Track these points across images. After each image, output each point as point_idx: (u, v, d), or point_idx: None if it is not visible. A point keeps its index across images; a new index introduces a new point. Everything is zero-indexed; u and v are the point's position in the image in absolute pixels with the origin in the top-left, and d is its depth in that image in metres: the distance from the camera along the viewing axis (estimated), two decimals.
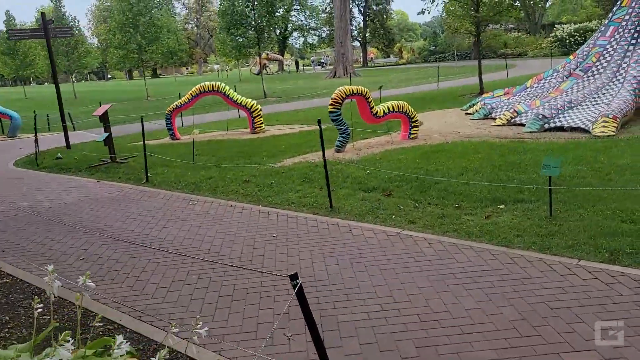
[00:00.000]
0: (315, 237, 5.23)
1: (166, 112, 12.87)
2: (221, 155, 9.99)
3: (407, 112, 10.09)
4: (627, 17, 11.13)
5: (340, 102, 9.36)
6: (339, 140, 9.50)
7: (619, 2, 11.53)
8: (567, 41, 45.58)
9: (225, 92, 12.63)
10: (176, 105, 12.77)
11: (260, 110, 13.00)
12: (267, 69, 63.00)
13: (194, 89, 12.66)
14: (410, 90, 22.39)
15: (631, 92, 10.17)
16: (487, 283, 3.92)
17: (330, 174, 7.48)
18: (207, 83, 12.69)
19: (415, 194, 6.25)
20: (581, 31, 45.14)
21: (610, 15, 11.59)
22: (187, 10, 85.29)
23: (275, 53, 64.37)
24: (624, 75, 10.66)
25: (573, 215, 5.12)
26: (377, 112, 9.74)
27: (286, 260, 4.71)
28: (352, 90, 9.38)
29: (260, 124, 12.94)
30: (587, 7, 74.17)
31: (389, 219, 5.57)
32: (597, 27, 44.29)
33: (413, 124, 10.24)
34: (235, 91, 13.74)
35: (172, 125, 12.76)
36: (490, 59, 49.54)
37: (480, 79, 17.74)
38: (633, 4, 11.08)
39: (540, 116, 10.21)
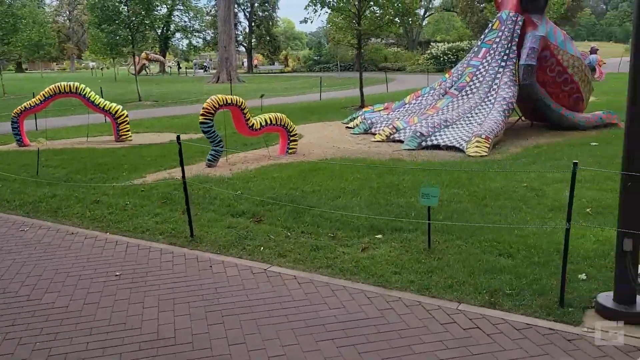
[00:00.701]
0: (168, 276, 4.42)
1: (12, 114, 11.17)
2: (74, 167, 8.72)
3: (286, 125, 9.54)
4: (497, 39, 11.51)
5: (213, 112, 8.57)
6: (210, 154, 8.69)
7: (490, 25, 11.94)
8: (441, 59, 48.22)
9: (84, 94, 11.24)
10: (25, 107, 11.14)
11: (127, 115, 11.75)
12: (147, 69, 59.91)
13: (47, 89, 11.13)
14: (292, 100, 22.01)
15: (501, 112, 10.47)
16: (362, 338, 3.38)
17: (196, 194, 6.68)
18: (63, 83, 11.21)
19: (288, 221, 5.65)
20: (453, 50, 48.04)
21: (482, 37, 11.96)
22: (58, 2, 78.88)
23: (156, 53, 61.44)
24: (494, 96, 10.98)
25: (452, 247, 4.80)
26: (253, 124, 9.07)
27: (126, 310, 3.86)
28: (226, 100, 8.63)
29: (127, 131, 11.70)
30: (458, 29, 79.75)
31: (256, 251, 4.91)
32: (468, 47, 47.50)
33: (291, 138, 9.70)
34: (102, 93, 12.37)
35: (20, 129, 11.11)
36: (371, 72, 51.01)
37: (362, 92, 17.78)
38: (503, 27, 11.50)
39: (418, 134, 10.16)
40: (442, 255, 4.61)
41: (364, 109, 13.65)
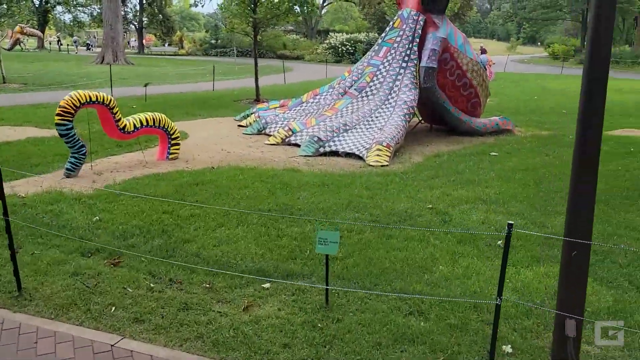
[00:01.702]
0: None
1: None
2: None
3: (166, 126, 8.28)
4: (398, 39, 10.95)
5: (72, 112, 7.12)
6: (69, 162, 7.25)
7: (391, 23, 11.35)
8: (340, 49, 48.12)
9: None
10: None
11: None
12: (22, 44, 54.11)
13: None
14: (183, 89, 20.36)
15: (402, 117, 9.93)
16: None
17: (40, 220, 5.33)
18: None
19: (155, 262, 4.53)
20: (352, 41, 48.09)
21: (383, 35, 11.35)
22: None
23: (33, 27, 55.67)
24: (395, 98, 10.42)
25: (354, 302, 3.98)
26: (125, 125, 7.72)
27: None
28: (90, 97, 7.20)
29: None
30: (356, 19, 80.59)
31: (105, 313, 3.77)
32: (365, 39, 47.83)
33: (173, 142, 8.46)
34: None
35: None
36: (269, 59, 49.86)
37: (257, 85, 16.68)
38: (404, 26, 10.95)
39: (316, 138, 9.33)
40: (343, 316, 3.76)
41: (258, 106, 12.61)
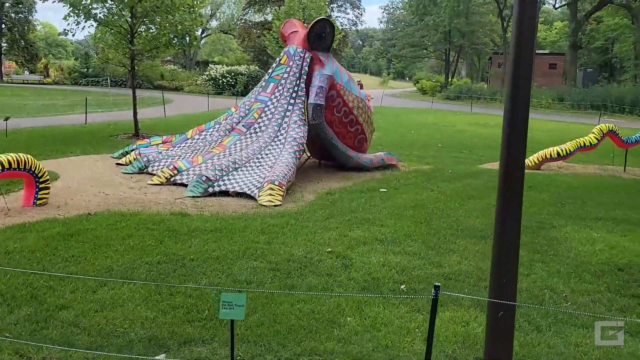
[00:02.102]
0: None
1: None
2: None
3: (32, 168, 7.37)
4: (285, 75, 10.91)
5: None
6: None
7: (277, 59, 11.30)
8: (220, 81, 47.67)
9: None
10: None
11: None
12: None
13: None
14: (50, 122, 18.70)
15: (292, 154, 9.80)
16: None
17: None
18: None
19: (23, 337, 3.83)
20: (232, 73, 47.90)
21: (270, 71, 11.24)
22: None
23: None
24: (284, 135, 10.29)
25: None
26: None
27: None
28: None
29: None
30: (235, 50, 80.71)
31: None
32: (246, 71, 47.88)
33: (41, 185, 7.54)
34: None
35: None
36: (147, 89, 47.97)
37: (136, 119, 15.74)
38: (291, 63, 10.94)
39: (204, 178, 8.87)
40: None
41: (138, 142, 11.82)
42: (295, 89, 10.79)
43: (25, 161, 7.25)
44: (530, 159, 12.84)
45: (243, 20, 60.76)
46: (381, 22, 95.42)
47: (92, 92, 39.45)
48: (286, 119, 10.53)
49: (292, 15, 28.56)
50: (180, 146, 11.05)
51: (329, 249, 6.09)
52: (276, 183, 8.61)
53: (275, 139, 10.29)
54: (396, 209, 8.12)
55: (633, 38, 55.58)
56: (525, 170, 11.52)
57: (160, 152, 10.85)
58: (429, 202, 8.70)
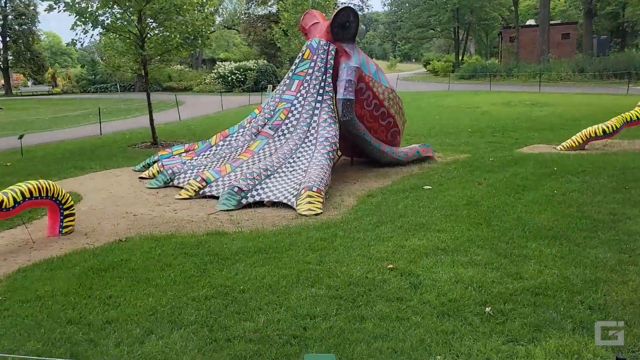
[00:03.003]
0: None
1: None
2: None
3: (56, 195, 6.81)
4: (310, 70, 10.24)
5: None
6: None
7: (300, 54, 10.61)
8: (229, 78, 47.06)
9: None
10: None
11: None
12: None
13: None
14: (64, 136, 18.24)
15: (325, 155, 9.15)
16: None
17: None
18: None
19: None
20: (241, 69, 47.24)
21: (293, 67, 10.57)
22: None
23: None
24: (315, 135, 9.65)
25: None
26: (2, 201, 6.19)
27: None
28: None
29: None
30: (239, 46, 79.85)
31: None
32: (255, 66, 47.15)
33: (66, 212, 6.99)
34: None
35: None
36: (156, 92, 47.65)
37: (153, 127, 15.17)
38: (315, 57, 10.27)
39: (236, 189, 8.27)
40: None
41: (159, 153, 11.24)
42: (322, 84, 10.12)
43: (47, 188, 6.69)
44: (574, 139, 12.06)
45: (246, 15, 59.96)
46: (385, 4, 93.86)
47: (101, 99, 39.16)
48: (315, 118, 9.88)
49: (300, 6, 27.77)
50: (204, 154, 10.46)
51: (390, 265, 5.46)
52: (314, 189, 7.98)
53: (306, 140, 9.65)
54: (448, 209, 7.45)
55: None
56: (571, 152, 10.74)
57: (185, 163, 10.27)
58: (481, 197, 8.01)
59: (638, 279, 4.91)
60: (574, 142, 12.03)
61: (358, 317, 4.40)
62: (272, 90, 36.78)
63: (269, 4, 54.40)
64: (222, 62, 52.36)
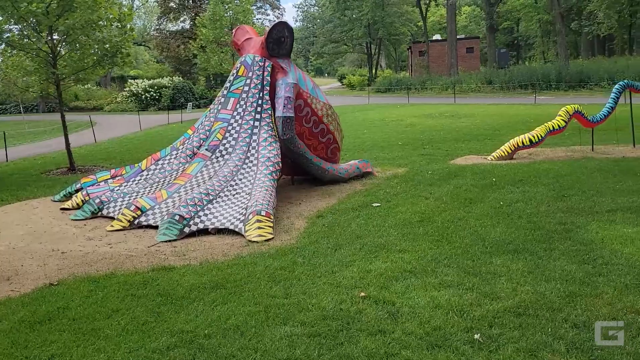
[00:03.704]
0: None
1: None
2: None
3: None
4: (246, 88, 9.81)
5: None
6: None
7: (234, 71, 10.15)
8: (143, 97, 45.26)
9: None
10: None
11: None
12: None
13: None
14: None
15: (269, 176, 8.73)
16: None
17: None
18: None
19: None
20: (155, 87, 45.61)
21: (227, 85, 10.08)
22: None
23: None
24: (256, 155, 9.21)
25: None
26: None
27: None
28: None
29: None
30: (148, 62, 77.28)
31: None
32: (170, 84, 45.66)
33: None
34: None
35: None
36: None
37: (69, 151, 14.02)
38: (250, 74, 9.86)
39: (177, 217, 7.65)
40: None
41: (82, 180, 10.30)
42: (260, 102, 9.72)
43: None
44: (503, 149, 12.44)
45: (158, 30, 58.20)
46: (296, 20, 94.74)
47: (0, 122, 36.22)
48: (255, 137, 9.44)
49: (218, 22, 27.25)
50: (135, 180, 9.70)
51: (362, 293, 5.15)
52: (263, 213, 7.54)
53: (247, 161, 9.19)
54: (403, 227, 7.29)
55: (538, 16, 58.30)
56: (502, 162, 11.01)
57: (113, 190, 9.46)
58: (432, 213, 7.93)
59: (610, 291, 4.92)
60: (504, 152, 12.40)
61: (345, 356, 4.03)
62: (192, 108, 35.78)
63: (181, 19, 53.14)
64: (133, 79, 50.30)
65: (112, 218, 8.59)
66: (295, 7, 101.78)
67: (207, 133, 9.71)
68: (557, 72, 35.11)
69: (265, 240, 7.13)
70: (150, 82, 46.00)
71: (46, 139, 23.36)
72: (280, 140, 9.54)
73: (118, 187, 9.56)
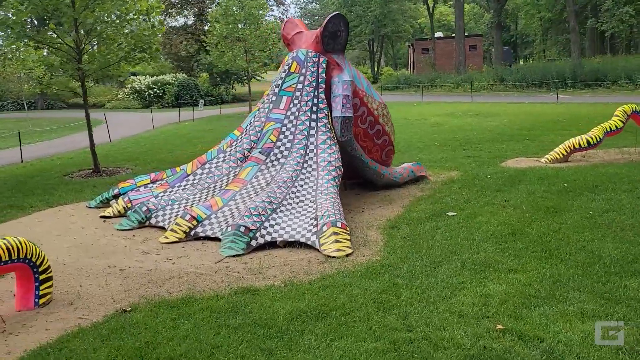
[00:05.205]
0: None
1: None
2: None
3: (29, 257, 5.15)
4: (300, 86, 9.06)
5: None
6: None
7: (285, 67, 9.39)
8: (146, 93, 44.38)
9: None
10: None
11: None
12: None
13: None
14: None
15: (332, 182, 8.02)
16: None
17: None
18: None
19: None
20: (159, 84, 44.72)
21: (278, 82, 9.32)
22: None
23: None
24: (314, 159, 8.48)
25: None
26: None
27: None
28: None
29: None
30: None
31: None
32: (174, 80, 44.69)
33: (42, 278, 5.33)
34: None
35: None
36: (60, 110, 44.15)
37: (93, 150, 13.21)
38: (304, 71, 9.12)
39: (243, 229, 6.91)
40: None
41: (120, 185, 9.53)
42: (315, 101, 8.98)
43: (17, 247, 5.02)
44: (558, 151, 11.75)
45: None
46: (302, 17, 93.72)
47: (9, 120, 35.29)
48: (312, 139, 8.71)
49: (231, 17, 26.41)
50: (180, 185, 8.94)
51: (499, 326, 4.44)
52: (338, 225, 6.82)
53: (305, 165, 8.45)
54: (497, 241, 6.58)
55: (540, 14, 57.82)
56: (559, 165, 10.29)
57: (157, 196, 8.71)
58: (520, 223, 7.22)
59: None
60: (559, 154, 11.72)
61: None
62: (205, 105, 34.92)
63: (184, 15, 52.13)
64: (134, 76, 49.31)
65: (162, 228, 7.86)
66: (294, 3, 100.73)
67: (259, 134, 8.97)
68: (571, 70, 34.54)
69: (346, 255, 6.42)
70: (154, 78, 45.07)
71: (54, 137, 22.45)
72: (339, 143, 8.82)
73: (162, 193, 8.81)
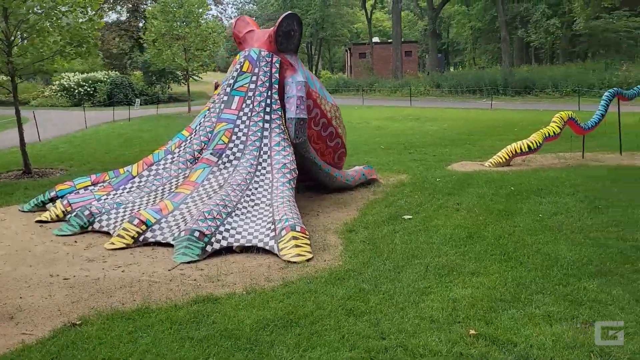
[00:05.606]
0: None
1: None
2: None
3: None
4: (252, 85, 8.81)
5: None
6: None
7: (237, 66, 9.10)
8: (76, 91, 42.35)
9: None
10: None
11: None
12: None
13: None
14: None
15: (287, 185, 7.84)
16: None
17: None
18: None
19: None
20: (90, 81, 42.80)
21: (229, 81, 9.01)
22: None
23: None
24: (269, 161, 8.25)
25: None
26: None
27: None
28: None
29: None
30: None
31: None
32: (106, 78, 42.88)
33: None
34: None
35: None
36: None
37: (24, 150, 12.31)
38: (256, 70, 8.87)
39: (197, 234, 6.58)
40: None
41: (58, 187, 8.88)
42: (268, 101, 8.75)
43: None
44: (500, 155, 12.12)
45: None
46: (230, 17, 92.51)
47: None
48: (265, 140, 8.47)
49: (170, 13, 25.61)
50: (126, 188, 8.45)
51: (472, 331, 4.41)
52: (298, 229, 6.64)
53: (259, 167, 8.21)
54: (456, 244, 6.62)
55: (470, 24, 60.21)
56: (502, 168, 10.62)
57: (100, 199, 8.19)
58: (475, 226, 7.32)
59: None
60: (501, 158, 12.09)
61: None
62: (140, 104, 33.63)
63: (117, 9, 50.20)
64: (66, 73, 46.92)
65: (107, 233, 7.38)
66: (231, 3, 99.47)
67: (209, 135, 8.62)
68: (503, 78, 36.02)
69: (306, 260, 6.24)
70: (84, 75, 43.04)
71: None
72: (293, 145, 8.63)
73: (106, 196, 8.29)
